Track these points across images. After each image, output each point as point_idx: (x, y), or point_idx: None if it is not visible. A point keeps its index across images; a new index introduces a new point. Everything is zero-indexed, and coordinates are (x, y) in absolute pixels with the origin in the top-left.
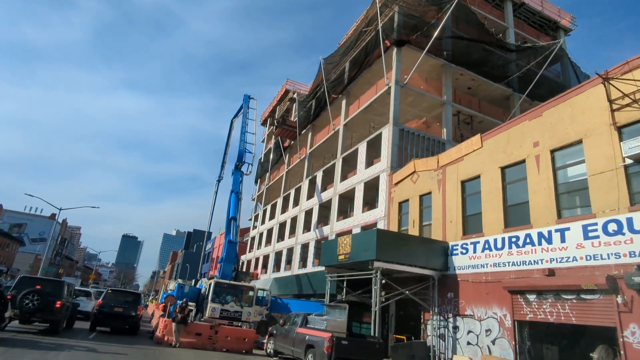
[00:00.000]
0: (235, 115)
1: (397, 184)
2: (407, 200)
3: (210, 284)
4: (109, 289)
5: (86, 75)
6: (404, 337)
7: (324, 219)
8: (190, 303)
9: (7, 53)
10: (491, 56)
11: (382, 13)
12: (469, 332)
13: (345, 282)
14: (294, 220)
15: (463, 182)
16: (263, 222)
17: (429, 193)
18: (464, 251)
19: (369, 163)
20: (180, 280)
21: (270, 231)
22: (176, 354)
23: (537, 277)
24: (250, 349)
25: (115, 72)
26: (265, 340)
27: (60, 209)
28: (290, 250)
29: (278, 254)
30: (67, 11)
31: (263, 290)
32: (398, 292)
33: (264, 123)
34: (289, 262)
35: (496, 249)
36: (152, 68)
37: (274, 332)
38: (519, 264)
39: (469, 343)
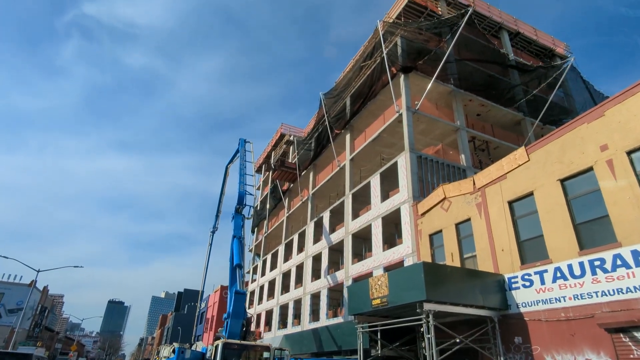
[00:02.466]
0: (230, 161)
1: (424, 214)
2: (439, 232)
3: (217, 346)
4: None
5: (75, 139)
6: None
7: (334, 264)
8: None
9: None
10: (497, 81)
11: (385, 41)
12: None
13: (379, 334)
14: (299, 268)
15: (511, 203)
16: (263, 273)
17: (467, 220)
18: (528, 284)
19: (385, 196)
20: (176, 344)
21: (272, 283)
22: None
23: None
24: None
25: (105, 134)
26: None
27: (38, 271)
28: (297, 303)
29: (283, 308)
30: (57, 79)
31: (281, 349)
32: (452, 342)
33: (258, 170)
34: (297, 316)
35: (574, 277)
36: (141, 128)
37: None
38: (611, 293)
39: None
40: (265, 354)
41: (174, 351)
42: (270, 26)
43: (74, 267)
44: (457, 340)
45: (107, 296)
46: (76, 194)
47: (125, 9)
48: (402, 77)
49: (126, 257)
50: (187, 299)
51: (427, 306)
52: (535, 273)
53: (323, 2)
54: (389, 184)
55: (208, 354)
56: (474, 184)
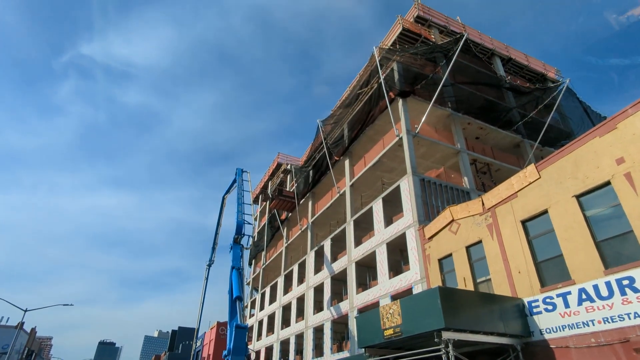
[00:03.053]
0: (227, 191)
1: (431, 238)
2: (449, 256)
3: None
4: None
5: (69, 177)
6: None
7: (337, 295)
8: None
9: None
10: (493, 104)
11: (381, 67)
12: None
13: None
14: (300, 300)
15: (524, 222)
16: (262, 307)
17: (479, 242)
18: (550, 307)
19: (388, 221)
20: None
21: (271, 317)
22: None
23: None
24: None
25: (99, 171)
26: None
27: (25, 310)
28: (299, 337)
29: (284, 343)
30: (53, 117)
31: None
32: None
33: (255, 200)
34: (299, 351)
35: (601, 298)
36: (136, 164)
37: None
38: None
39: None
40: None
41: None
42: (263, 63)
43: (64, 305)
44: None
45: (98, 337)
46: (67, 232)
47: (121, 49)
48: (400, 101)
49: (117, 296)
50: (182, 338)
51: (446, 335)
52: (558, 295)
53: (314, 39)
54: (392, 208)
55: None
56: (483, 204)
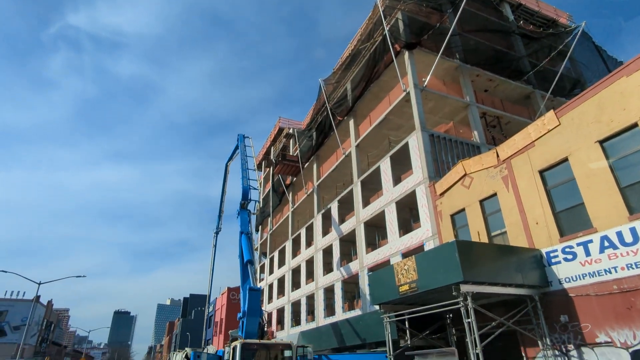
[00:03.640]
0: (230, 158)
1: (442, 194)
2: (462, 211)
3: (234, 348)
4: None
5: (68, 152)
6: None
7: (346, 256)
8: None
9: None
10: (503, 54)
11: (385, 18)
12: None
13: (407, 323)
14: (309, 262)
15: (542, 172)
16: (271, 271)
17: (493, 195)
18: (570, 257)
19: (397, 180)
20: (189, 349)
21: (281, 280)
22: None
23: None
24: None
25: (98, 146)
26: None
27: (39, 283)
28: (310, 298)
29: (295, 305)
30: (47, 92)
31: (303, 347)
32: (491, 325)
33: (258, 167)
34: (310, 312)
35: (625, 244)
36: (135, 137)
37: None
38: None
39: None
40: (287, 353)
41: (187, 356)
42: (258, 26)
43: (76, 277)
44: (494, 324)
45: (112, 307)
46: (73, 207)
47: (110, 17)
48: (406, 54)
49: (128, 267)
50: (194, 304)
51: (465, 288)
52: (578, 244)
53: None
54: (400, 167)
55: (226, 357)
56: (498, 156)
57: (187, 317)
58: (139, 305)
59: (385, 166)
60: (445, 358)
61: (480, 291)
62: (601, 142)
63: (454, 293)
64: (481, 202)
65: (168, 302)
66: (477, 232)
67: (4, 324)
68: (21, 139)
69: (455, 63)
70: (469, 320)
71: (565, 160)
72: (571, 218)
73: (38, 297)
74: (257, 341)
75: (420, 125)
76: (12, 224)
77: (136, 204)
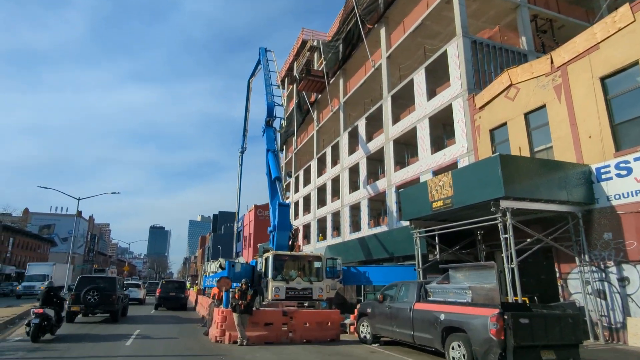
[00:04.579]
0: (252, 74)
1: (482, 107)
2: (503, 125)
3: (267, 258)
4: (163, 280)
5: (91, 73)
6: (527, 299)
7: (373, 174)
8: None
9: (12, 61)
10: None
11: None
12: None
13: (437, 238)
14: (335, 181)
15: (603, 79)
16: (297, 190)
17: (541, 107)
18: (624, 172)
19: (431, 94)
20: (222, 260)
21: (307, 198)
22: (249, 357)
23: None
24: (336, 335)
25: (119, 66)
26: (348, 322)
27: (79, 199)
28: (336, 215)
29: (321, 221)
30: (61, 9)
31: (333, 258)
32: (527, 242)
33: (281, 84)
34: (336, 228)
35: None
36: (154, 56)
37: (368, 310)
38: None
39: None
40: (316, 264)
41: (221, 266)
42: None
43: (112, 193)
44: (529, 240)
45: (148, 222)
46: (102, 129)
47: None
48: None
49: (159, 186)
50: (223, 220)
51: (505, 203)
52: (636, 159)
53: None
54: (435, 80)
55: (259, 267)
56: (552, 62)
57: (217, 232)
58: (171, 221)
59: (419, 79)
60: (483, 272)
61: (521, 207)
62: None
63: (492, 209)
64: (526, 115)
65: (199, 219)
66: (518, 147)
67: (53, 235)
68: (43, 60)
69: None
70: (507, 236)
71: (636, 64)
72: (631, 131)
73: (80, 212)
74: (288, 252)
75: (462, 30)
76: (44, 145)
77: (162, 125)
